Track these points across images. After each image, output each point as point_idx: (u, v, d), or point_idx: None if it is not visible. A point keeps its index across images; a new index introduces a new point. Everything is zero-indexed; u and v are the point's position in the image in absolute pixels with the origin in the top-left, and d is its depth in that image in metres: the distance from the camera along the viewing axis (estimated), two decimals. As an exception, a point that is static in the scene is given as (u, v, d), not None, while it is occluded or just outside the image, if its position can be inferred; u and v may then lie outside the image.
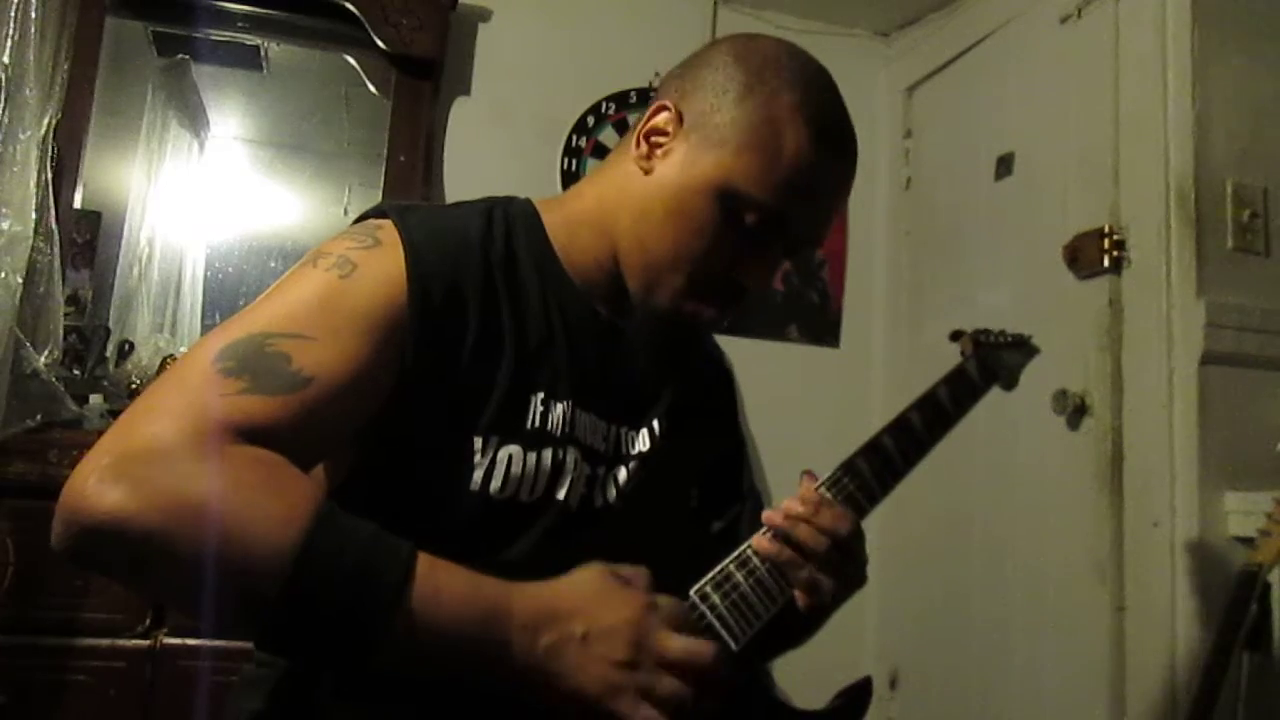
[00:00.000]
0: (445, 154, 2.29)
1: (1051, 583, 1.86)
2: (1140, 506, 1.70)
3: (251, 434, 0.66)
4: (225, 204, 2.31)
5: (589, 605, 0.72)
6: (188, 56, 2.25)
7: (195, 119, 2.29)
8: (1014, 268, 2.09)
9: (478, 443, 0.79)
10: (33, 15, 1.81)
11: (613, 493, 0.88)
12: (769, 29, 2.45)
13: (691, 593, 0.83)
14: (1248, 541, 1.51)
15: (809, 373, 2.49)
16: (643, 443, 0.91)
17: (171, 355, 2.01)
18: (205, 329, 2.20)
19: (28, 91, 1.79)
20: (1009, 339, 1.23)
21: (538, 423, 0.82)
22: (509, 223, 0.88)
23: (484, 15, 2.37)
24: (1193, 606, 1.59)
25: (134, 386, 1.92)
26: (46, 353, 1.76)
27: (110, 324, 2.06)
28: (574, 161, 2.37)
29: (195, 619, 0.65)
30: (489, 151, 2.32)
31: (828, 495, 0.91)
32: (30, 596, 1.54)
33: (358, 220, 0.86)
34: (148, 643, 1.58)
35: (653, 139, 0.89)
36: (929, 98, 2.51)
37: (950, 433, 1.07)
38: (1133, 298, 1.77)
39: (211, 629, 0.76)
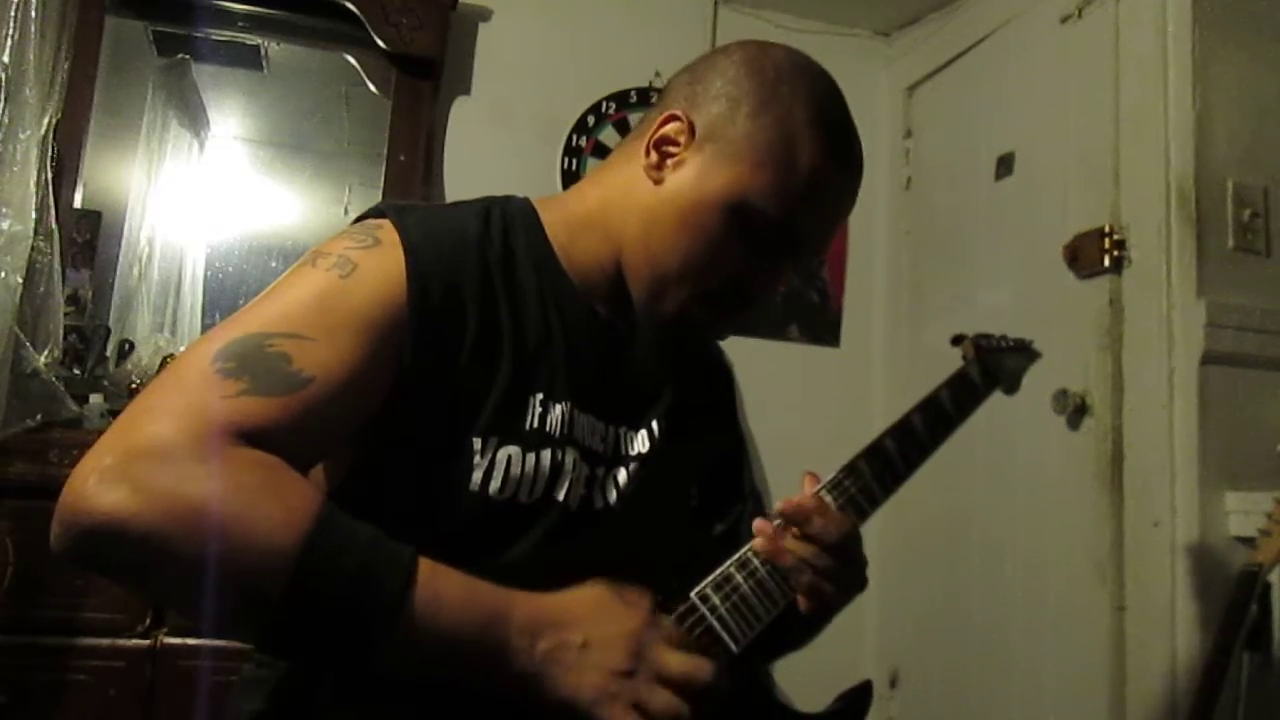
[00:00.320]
0: (445, 154, 2.29)
1: (1051, 583, 1.86)
2: (1140, 506, 1.70)
3: (251, 435, 0.66)
4: (225, 204, 2.31)
5: (590, 615, 0.72)
6: (188, 56, 2.25)
7: (195, 118, 2.29)
8: (1014, 267, 2.09)
9: (477, 443, 0.79)
10: (33, 15, 1.81)
11: (613, 494, 0.88)
12: (769, 28, 2.46)
13: (692, 594, 0.83)
14: (1248, 541, 1.51)
15: (809, 372, 2.49)
16: (642, 443, 0.91)
17: (171, 355, 2.01)
18: (205, 328, 2.20)
19: (28, 91, 1.79)
20: (1010, 343, 1.23)
21: (536, 423, 0.82)
22: (507, 222, 0.88)
23: (484, 15, 2.37)
24: (1193, 606, 1.59)
25: (134, 386, 1.92)
26: (46, 352, 1.76)
27: (110, 323, 2.06)
28: (574, 161, 2.37)
29: (195, 621, 0.65)
30: (489, 151, 2.32)
31: (826, 499, 0.91)
32: (30, 596, 1.54)
33: (357, 220, 0.85)
34: (148, 642, 1.58)
35: (663, 149, 0.88)
36: (929, 97, 2.51)
37: (951, 436, 1.07)
38: (1133, 297, 1.77)
39: (211, 631, 0.75)
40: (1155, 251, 1.73)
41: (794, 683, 1.21)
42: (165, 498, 0.61)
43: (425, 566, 0.67)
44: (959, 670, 2.09)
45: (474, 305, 0.81)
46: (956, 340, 1.20)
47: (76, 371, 1.92)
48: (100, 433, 0.65)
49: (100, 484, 0.61)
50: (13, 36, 1.77)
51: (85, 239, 2.06)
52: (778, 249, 0.88)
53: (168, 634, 1.59)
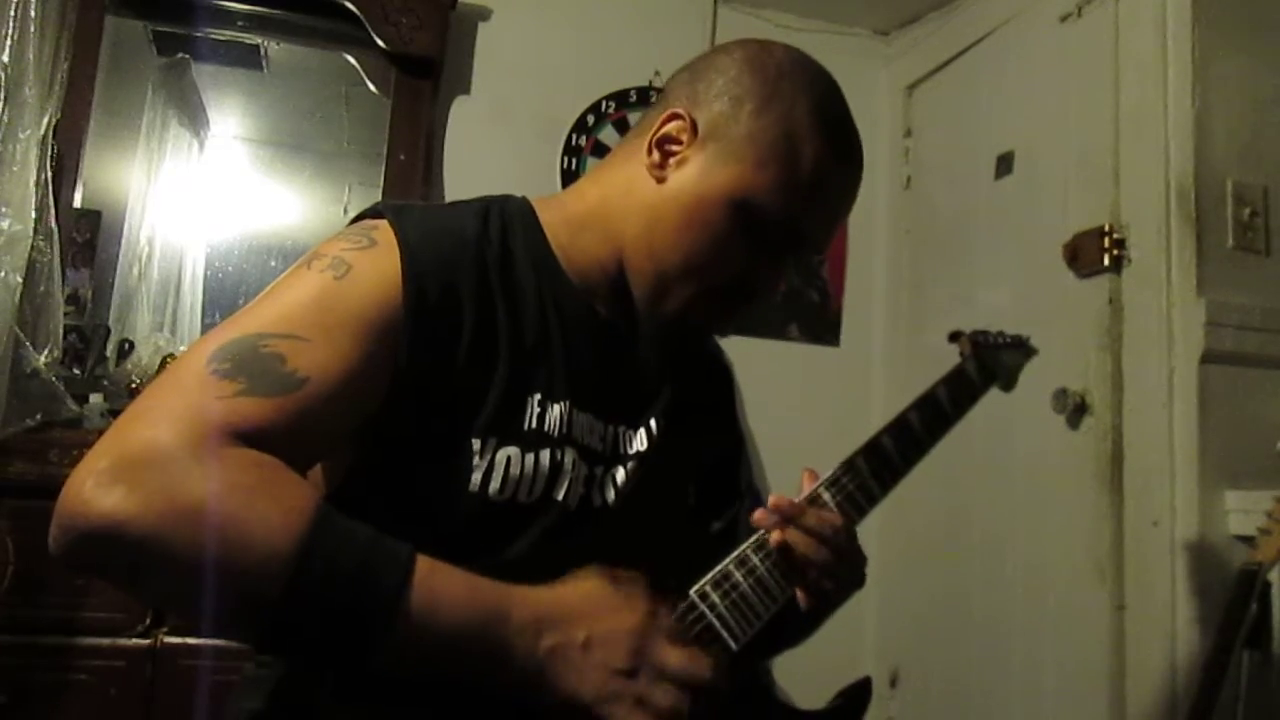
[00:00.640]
0: (445, 153, 2.29)
1: (1051, 582, 1.86)
2: (1140, 505, 1.70)
3: (248, 436, 0.66)
4: (225, 203, 2.31)
5: (592, 611, 0.72)
6: (188, 56, 2.25)
7: (195, 118, 2.29)
8: (1014, 267, 2.09)
9: (475, 444, 0.79)
10: (32, 14, 1.81)
11: (611, 493, 0.88)
12: (769, 28, 2.46)
13: (691, 592, 0.83)
14: (1248, 540, 1.51)
15: (809, 372, 2.49)
16: (640, 442, 0.91)
17: (171, 354, 2.01)
18: (205, 328, 2.20)
19: (27, 90, 1.79)
20: (1007, 340, 1.23)
21: (534, 424, 0.82)
22: (505, 222, 0.88)
23: (484, 14, 2.37)
24: (1192, 605, 1.59)
25: (134, 386, 1.92)
26: (46, 352, 1.76)
27: (110, 323, 2.06)
28: (574, 160, 2.37)
29: (193, 622, 0.65)
30: (489, 150, 2.32)
31: (824, 496, 0.92)
32: (30, 596, 1.54)
33: (354, 221, 0.85)
34: (148, 642, 1.58)
35: (666, 147, 0.88)
36: (929, 96, 2.51)
37: (949, 433, 1.07)
38: (1133, 296, 1.77)
39: (210, 632, 0.75)
40: (1155, 251, 1.73)
41: (794, 682, 1.21)
42: (162, 500, 0.61)
43: (423, 564, 0.67)
44: (959, 669, 2.09)
45: (471, 305, 0.80)
46: (954, 337, 1.21)
47: (76, 371, 1.92)
48: (100, 432, 0.65)
49: (97, 487, 0.61)
50: (12, 36, 1.77)
51: (85, 238, 2.07)
52: (781, 246, 0.88)
53: (168, 633, 1.59)
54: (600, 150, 2.36)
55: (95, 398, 1.82)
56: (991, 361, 1.17)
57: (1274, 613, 1.46)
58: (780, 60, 0.89)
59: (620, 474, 0.89)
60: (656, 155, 0.88)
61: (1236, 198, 1.72)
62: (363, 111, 2.36)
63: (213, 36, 2.24)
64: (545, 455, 0.81)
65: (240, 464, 0.65)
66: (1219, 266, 1.69)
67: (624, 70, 2.41)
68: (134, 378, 1.95)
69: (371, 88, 2.31)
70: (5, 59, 1.76)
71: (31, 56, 1.80)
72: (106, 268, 2.10)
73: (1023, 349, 1.26)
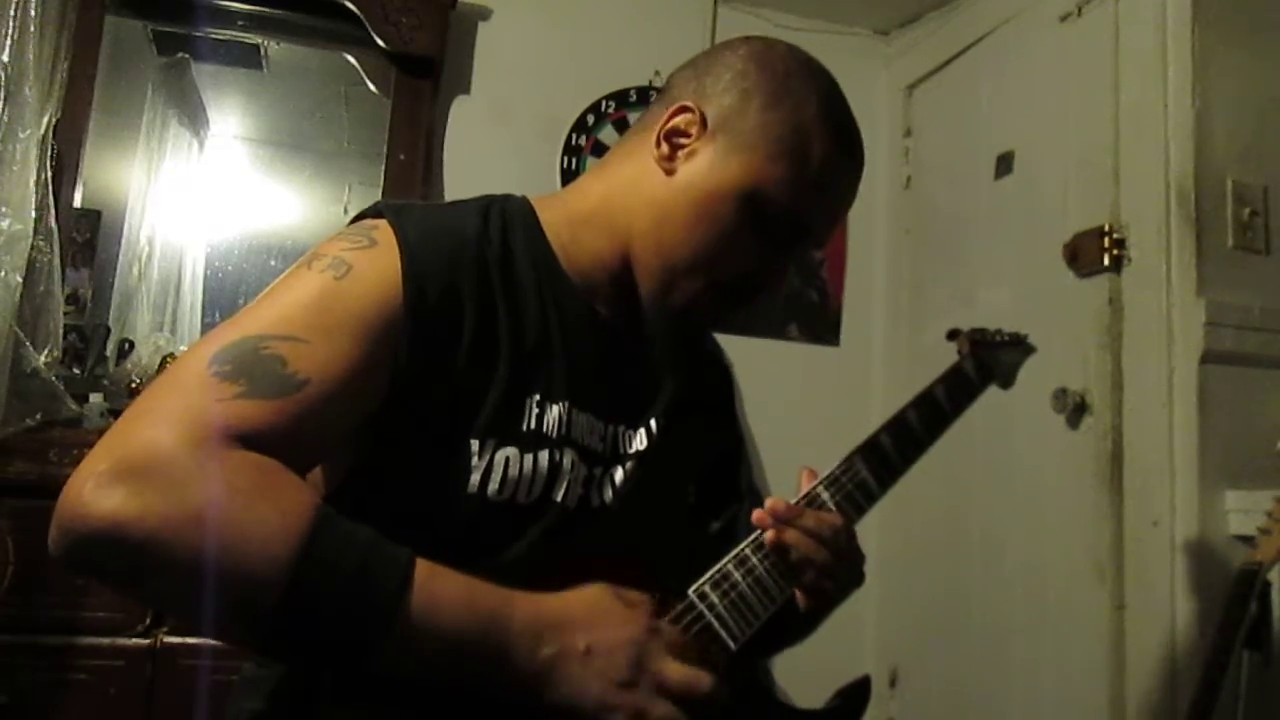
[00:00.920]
0: (445, 153, 2.29)
1: (1051, 581, 1.86)
2: (1140, 505, 1.70)
3: (248, 438, 0.66)
4: (225, 203, 2.31)
5: (593, 620, 0.72)
6: (188, 55, 2.25)
7: (195, 118, 2.29)
8: (1014, 266, 2.09)
9: (474, 445, 0.79)
10: (32, 14, 1.81)
11: (609, 493, 0.88)
12: (768, 27, 2.45)
13: (690, 592, 0.83)
14: (1248, 540, 1.51)
15: (809, 371, 2.49)
16: (640, 442, 0.91)
17: (171, 354, 2.01)
18: (205, 328, 2.20)
19: (27, 90, 1.79)
20: (1005, 338, 1.23)
21: (534, 424, 0.82)
22: (506, 221, 0.88)
23: (484, 14, 2.37)
24: (1192, 605, 1.60)
25: (134, 385, 1.92)
26: (46, 352, 1.76)
27: (110, 323, 2.06)
28: (574, 160, 2.37)
29: (193, 625, 0.65)
30: (489, 150, 2.32)
31: (823, 495, 0.92)
32: (30, 595, 1.54)
33: (354, 220, 0.85)
34: (148, 642, 1.58)
35: (675, 139, 0.89)
36: (929, 96, 2.51)
37: (948, 431, 1.07)
38: (1133, 296, 1.77)
39: (209, 634, 0.75)
40: (1155, 250, 1.72)
41: (794, 682, 1.21)
42: (162, 503, 0.61)
43: (423, 568, 0.67)
44: (959, 669, 2.09)
45: (472, 306, 0.80)
46: (952, 335, 1.21)
47: (76, 371, 1.92)
48: (100, 432, 0.65)
49: (97, 489, 0.61)
50: (12, 35, 1.77)
51: (85, 238, 2.07)
52: (787, 240, 0.89)
53: (168, 633, 1.59)
54: (600, 150, 2.36)
55: (95, 397, 1.83)
56: (990, 359, 1.17)
57: (1274, 612, 1.46)
58: (785, 56, 0.90)
59: (619, 474, 0.88)
60: (665, 148, 0.89)
61: (1236, 197, 1.72)
62: (363, 111, 2.36)
63: (213, 36, 2.24)
64: (544, 456, 0.81)
65: (240, 467, 0.64)
66: (1219, 266, 1.69)
67: (624, 70, 2.41)
68: (134, 377, 1.95)
69: (371, 87, 2.31)
70: (5, 58, 1.76)
71: (31, 56, 1.80)
72: (106, 267, 2.10)
73: (1021, 347, 1.26)
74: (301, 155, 2.41)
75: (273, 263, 2.30)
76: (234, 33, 2.26)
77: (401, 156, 2.22)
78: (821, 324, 2.53)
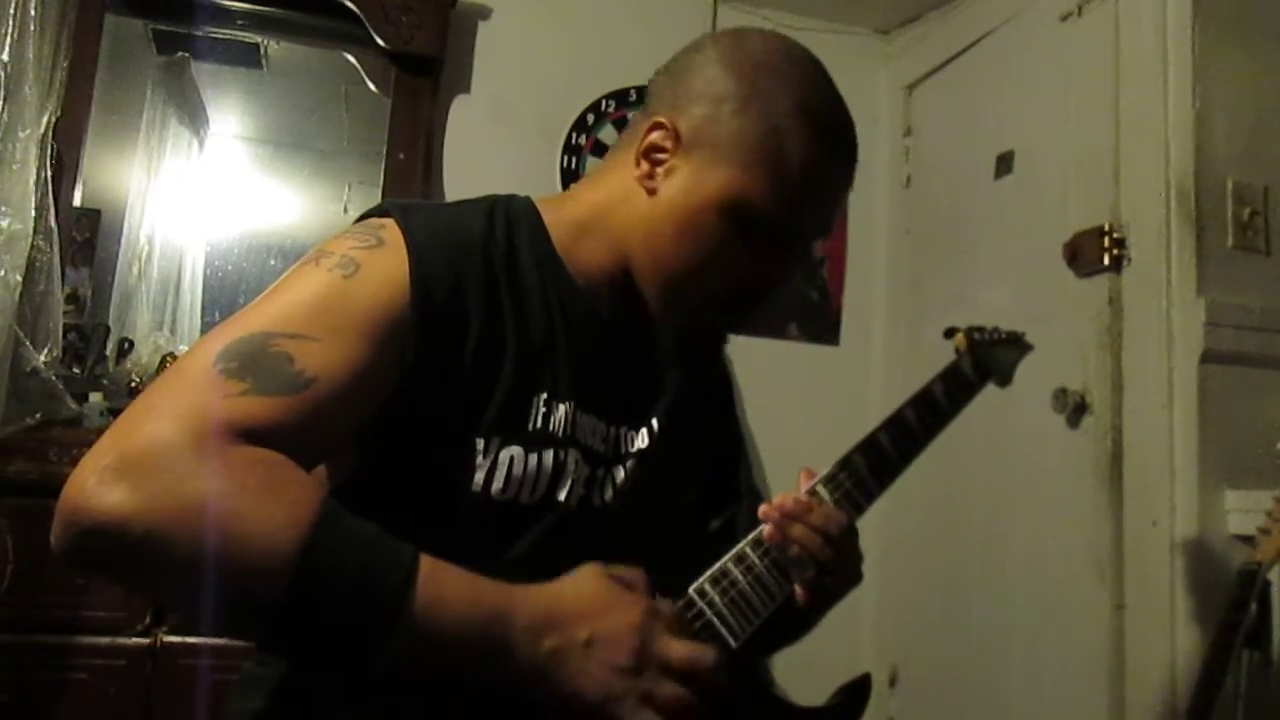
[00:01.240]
0: (445, 152, 2.29)
1: (1051, 581, 1.86)
2: (1140, 504, 1.70)
3: (253, 435, 0.66)
4: (225, 202, 2.31)
5: (592, 609, 0.72)
6: (187, 54, 2.25)
7: (195, 117, 2.29)
8: (1014, 266, 2.09)
9: (479, 444, 0.79)
10: (32, 12, 1.81)
11: (610, 492, 0.88)
12: (768, 27, 2.44)
13: (690, 590, 0.83)
14: (1247, 540, 1.51)
15: (809, 371, 2.49)
16: (641, 441, 0.91)
17: (171, 353, 2.01)
18: (205, 327, 2.21)
19: (27, 89, 1.79)
20: (1003, 335, 1.23)
21: (540, 424, 0.82)
22: (510, 222, 0.88)
23: (484, 13, 2.37)
24: (1192, 604, 1.60)
25: (134, 385, 1.92)
26: (46, 351, 1.76)
27: (110, 322, 2.06)
28: (574, 159, 2.37)
29: (196, 620, 0.65)
30: (489, 149, 2.32)
31: (822, 493, 0.92)
32: (30, 595, 1.54)
33: (360, 219, 0.85)
34: (148, 641, 1.59)
35: (653, 157, 0.88)
36: (929, 96, 2.51)
37: (947, 429, 1.07)
38: (1133, 296, 1.77)
39: (213, 629, 0.75)
40: (1155, 250, 1.72)
41: (793, 680, 1.21)
42: (166, 497, 0.61)
43: (426, 564, 0.67)
44: (958, 668, 2.09)
45: (478, 306, 0.80)
46: (949, 333, 1.21)
47: (76, 370, 1.92)
48: (100, 431, 0.65)
49: (100, 484, 0.61)
50: (12, 34, 1.77)
51: (85, 237, 2.07)
52: (782, 243, 0.88)
53: (168, 632, 1.59)
54: (600, 149, 2.36)
55: (95, 396, 1.82)
56: (987, 357, 1.17)
57: (1273, 612, 1.46)
58: (756, 52, 0.87)
59: (620, 473, 0.89)
60: (645, 166, 0.88)
61: (1236, 197, 1.72)
62: (362, 110, 2.36)
63: (212, 35, 2.24)
64: (549, 455, 0.81)
65: (244, 462, 0.64)
66: (1219, 266, 1.69)
67: (624, 69, 2.41)
68: (134, 376, 1.95)
69: (371, 86, 2.31)
70: (5, 57, 1.76)
71: (31, 55, 1.80)
72: (106, 266, 2.10)
73: (1018, 345, 1.26)
74: (301, 154, 2.41)
75: (272, 262, 2.30)
76: (234, 31, 2.26)
77: (401, 156, 2.22)
78: (821, 323, 2.53)
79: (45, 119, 1.87)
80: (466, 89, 2.34)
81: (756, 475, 1.12)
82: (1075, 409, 1.83)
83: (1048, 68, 2.04)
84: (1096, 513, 1.76)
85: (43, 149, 1.85)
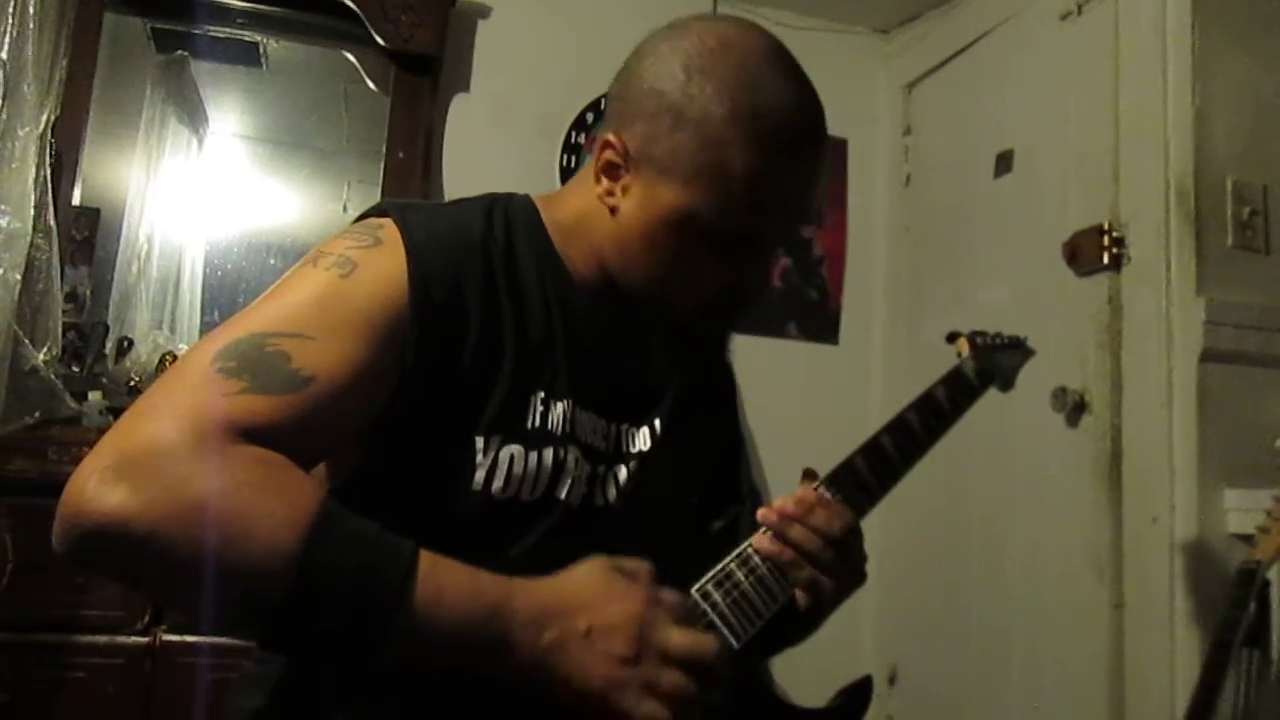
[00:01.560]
0: (444, 150, 2.29)
1: (1050, 580, 1.86)
2: (1139, 503, 1.70)
3: (252, 434, 0.66)
4: (224, 201, 2.31)
5: (592, 600, 0.72)
6: (187, 53, 2.25)
7: (194, 115, 2.29)
8: (1014, 265, 2.09)
9: (479, 443, 0.79)
10: (31, 11, 1.80)
11: (613, 491, 0.88)
12: (768, 26, 2.43)
13: (693, 591, 0.83)
14: (1247, 539, 1.51)
15: (808, 370, 2.49)
16: (643, 441, 0.91)
17: (170, 352, 2.01)
18: (204, 326, 2.21)
19: (26, 87, 1.79)
20: (1005, 340, 1.23)
21: (538, 422, 0.82)
22: (509, 221, 0.88)
23: (483, 12, 2.36)
24: (1191, 603, 1.60)
25: (133, 383, 1.92)
26: (45, 350, 1.76)
27: (109, 321, 2.06)
28: (573, 158, 2.36)
29: (197, 619, 0.65)
30: (488, 148, 2.32)
31: (825, 494, 0.92)
32: (29, 593, 1.54)
33: (358, 219, 0.85)
34: (147, 640, 1.59)
35: (610, 174, 0.87)
36: (929, 94, 2.51)
37: (948, 432, 1.07)
38: (1132, 295, 1.77)
39: (214, 628, 0.75)
40: (1154, 249, 1.73)
41: (794, 681, 1.21)
42: (166, 497, 0.61)
43: (426, 560, 0.67)
44: (958, 668, 2.10)
45: (476, 305, 0.80)
46: (951, 338, 1.21)
47: (75, 369, 1.92)
48: (99, 430, 0.65)
49: (101, 484, 0.61)
50: (11, 33, 1.77)
51: (84, 236, 2.06)
52: (749, 249, 0.86)
53: (167, 631, 1.59)
54: (600, 148, 2.36)
55: (94, 395, 1.82)
56: (989, 362, 1.17)
57: (1273, 611, 1.46)
58: (688, 53, 0.83)
59: (623, 473, 0.89)
60: (605, 183, 0.87)
61: (1236, 197, 1.72)
62: (362, 109, 2.36)
63: (212, 33, 2.24)
64: (549, 453, 0.82)
65: (244, 461, 0.65)
66: (1218, 265, 1.69)
67: (623, 68, 2.40)
68: (133, 375, 1.95)
69: (371, 85, 2.31)
70: (4, 56, 1.76)
71: (30, 53, 1.80)
72: (105, 265, 2.10)
73: (1020, 350, 1.26)
74: (300, 153, 2.41)
75: (272, 261, 2.30)
76: (233, 30, 2.25)
77: (401, 154, 2.22)
78: (821, 322, 2.53)
79: (44, 117, 1.87)
80: (466, 88, 2.34)
81: (756, 474, 1.12)
82: (1075, 408, 1.83)
83: (1047, 67, 2.04)
84: (1096, 512, 1.76)
85: (42, 147, 1.85)
